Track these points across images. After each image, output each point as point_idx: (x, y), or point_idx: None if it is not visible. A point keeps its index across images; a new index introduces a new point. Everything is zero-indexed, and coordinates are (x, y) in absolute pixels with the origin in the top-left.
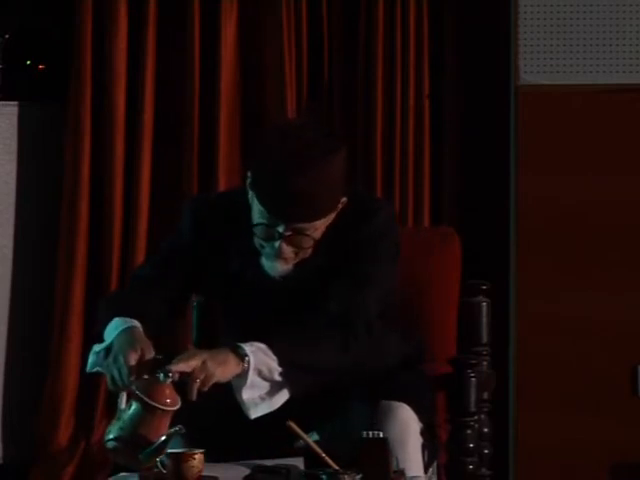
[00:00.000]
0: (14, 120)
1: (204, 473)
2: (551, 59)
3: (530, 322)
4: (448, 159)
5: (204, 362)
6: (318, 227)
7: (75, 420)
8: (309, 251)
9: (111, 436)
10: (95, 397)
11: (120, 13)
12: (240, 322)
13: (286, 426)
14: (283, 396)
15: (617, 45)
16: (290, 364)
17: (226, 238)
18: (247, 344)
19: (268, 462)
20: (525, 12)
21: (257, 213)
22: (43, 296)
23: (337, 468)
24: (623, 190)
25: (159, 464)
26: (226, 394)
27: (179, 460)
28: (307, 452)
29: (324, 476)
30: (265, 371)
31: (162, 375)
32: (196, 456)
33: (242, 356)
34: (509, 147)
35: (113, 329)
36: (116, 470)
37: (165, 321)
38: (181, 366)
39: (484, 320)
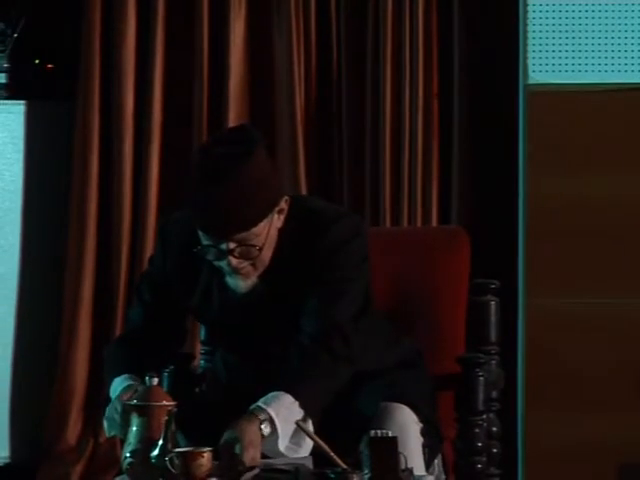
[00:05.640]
0: (22, 119)
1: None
2: (560, 58)
3: (539, 321)
4: (457, 158)
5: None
6: (259, 233)
7: (83, 419)
8: (266, 259)
9: (126, 455)
10: (103, 396)
11: (129, 12)
12: (222, 337)
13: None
14: (310, 427)
15: (626, 44)
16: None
17: (195, 260)
18: (271, 407)
19: (277, 461)
20: (534, 11)
21: (201, 237)
22: (51, 295)
23: (345, 467)
24: (633, 189)
25: (168, 463)
26: (228, 394)
27: (188, 458)
28: (316, 451)
29: (332, 475)
30: (290, 422)
31: (147, 379)
32: (205, 454)
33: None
34: (518, 146)
35: (114, 391)
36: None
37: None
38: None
39: (493, 319)
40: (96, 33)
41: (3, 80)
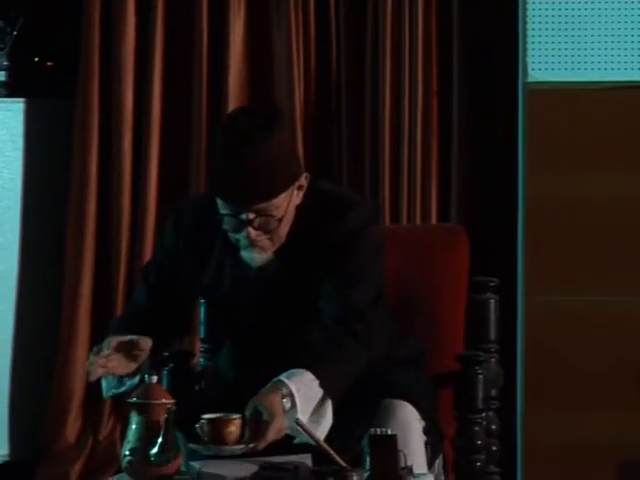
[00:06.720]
0: (22, 117)
1: (210, 471)
2: (559, 56)
3: (538, 319)
4: (456, 156)
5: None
6: (279, 205)
7: (83, 417)
8: (283, 235)
9: (125, 453)
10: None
11: (128, 10)
12: (232, 322)
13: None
14: (329, 408)
15: (626, 42)
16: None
17: (208, 238)
18: (293, 382)
19: (276, 459)
20: (533, 9)
21: (220, 207)
22: (50, 293)
23: (345, 465)
24: (632, 187)
25: (198, 430)
26: (228, 392)
27: (218, 425)
28: (315, 449)
29: (332, 473)
30: (309, 399)
31: (147, 377)
32: (235, 422)
33: (290, 401)
34: (517, 144)
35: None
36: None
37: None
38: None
39: (492, 317)
40: (96, 31)
41: (2, 78)
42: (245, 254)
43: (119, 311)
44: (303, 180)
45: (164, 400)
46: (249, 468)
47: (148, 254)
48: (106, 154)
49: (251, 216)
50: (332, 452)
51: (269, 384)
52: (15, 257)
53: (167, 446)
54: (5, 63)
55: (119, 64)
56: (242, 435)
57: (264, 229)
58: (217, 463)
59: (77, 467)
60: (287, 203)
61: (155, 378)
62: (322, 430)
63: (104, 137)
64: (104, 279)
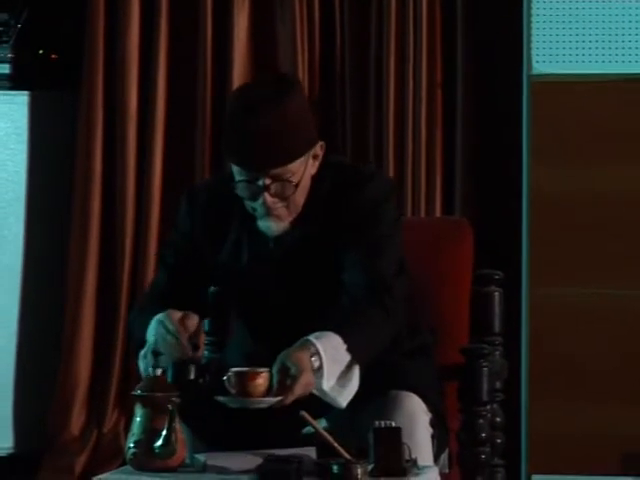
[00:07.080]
0: (26, 109)
1: (215, 463)
2: (564, 48)
3: (542, 311)
4: (460, 148)
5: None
6: (295, 171)
7: (87, 409)
8: (299, 204)
9: (130, 445)
10: (107, 386)
11: (133, 3)
12: (249, 300)
13: (299, 415)
14: (356, 373)
15: (631, 34)
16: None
17: (223, 216)
18: (321, 342)
19: (281, 451)
20: (538, 1)
21: (236, 174)
22: (55, 286)
23: (349, 457)
24: (636, 181)
25: (226, 382)
26: None
27: (245, 378)
28: (319, 441)
29: (335, 466)
30: (336, 362)
31: (151, 370)
32: (263, 375)
33: (319, 360)
34: (521, 137)
35: (151, 328)
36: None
37: None
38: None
39: (496, 310)
40: (100, 24)
41: (7, 70)
42: (262, 223)
43: (123, 304)
44: (319, 149)
45: (168, 393)
46: (253, 460)
47: (153, 248)
48: (110, 147)
49: (267, 181)
50: (337, 444)
51: (297, 342)
52: (20, 250)
53: (171, 439)
54: (9, 56)
55: (123, 57)
56: (269, 389)
57: (280, 196)
58: (222, 455)
59: (82, 459)
60: (303, 169)
61: (159, 371)
62: (347, 394)
63: (108, 130)
64: (108, 272)
